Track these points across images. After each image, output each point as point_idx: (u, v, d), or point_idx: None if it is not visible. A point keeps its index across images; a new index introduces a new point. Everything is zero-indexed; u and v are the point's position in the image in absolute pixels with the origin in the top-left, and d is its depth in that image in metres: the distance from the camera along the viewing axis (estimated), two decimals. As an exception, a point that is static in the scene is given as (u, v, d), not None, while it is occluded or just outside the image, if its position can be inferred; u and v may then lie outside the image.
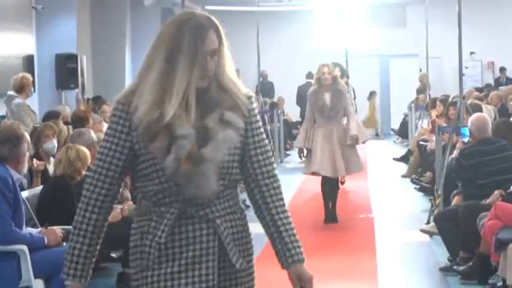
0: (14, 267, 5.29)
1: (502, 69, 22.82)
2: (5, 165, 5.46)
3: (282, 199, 2.88)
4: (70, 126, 9.59)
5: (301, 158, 10.94)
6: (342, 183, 11.14)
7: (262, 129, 2.88)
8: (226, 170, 2.77)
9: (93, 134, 7.36)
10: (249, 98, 2.84)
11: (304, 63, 18.72)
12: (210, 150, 2.68)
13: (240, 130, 2.77)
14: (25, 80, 10.31)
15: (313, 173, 9.52)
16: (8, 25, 13.04)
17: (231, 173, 2.80)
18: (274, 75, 22.17)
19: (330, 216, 9.61)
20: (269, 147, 2.91)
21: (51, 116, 9.91)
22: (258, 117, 2.89)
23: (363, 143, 10.29)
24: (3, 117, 10.38)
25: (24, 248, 5.29)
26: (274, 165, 2.91)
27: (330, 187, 9.57)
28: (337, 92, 9.46)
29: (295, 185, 12.55)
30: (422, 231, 8.60)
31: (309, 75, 17.29)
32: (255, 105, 2.85)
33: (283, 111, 18.43)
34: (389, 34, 22.94)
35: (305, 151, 10.02)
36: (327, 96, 9.42)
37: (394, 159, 15.50)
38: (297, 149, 10.81)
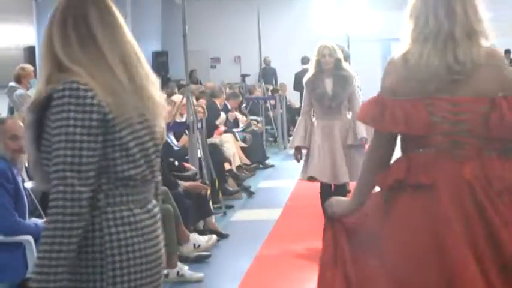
0: (20, 258, 5.30)
1: (507, 52, 22.77)
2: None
3: None
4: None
5: (298, 161, 7.85)
6: (349, 191, 7.82)
7: None
8: None
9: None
10: None
11: (304, 49, 18.64)
12: None
13: None
14: (21, 71, 10.36)
15: (310, 179, 7.62)
16: (8, 16, 13.06)
17: None
18: (274, 61, 22.17)
19: None
20: None
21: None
22: None
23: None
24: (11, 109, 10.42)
25: (30, 238, 5.30)
26: None
27: (330, 195, 6.36)
28: (341, 79, 7.55)
29: (299, 171, 12.48)
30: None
31: (305, 60, 17.10)
32: None
33: (286, 98, 18.40)
34: (390, 17, 22.80)
35: (303, 152, 7.79)
36: (328, 83, 7.53)
37: None
38: (293, 151, 7.84)
